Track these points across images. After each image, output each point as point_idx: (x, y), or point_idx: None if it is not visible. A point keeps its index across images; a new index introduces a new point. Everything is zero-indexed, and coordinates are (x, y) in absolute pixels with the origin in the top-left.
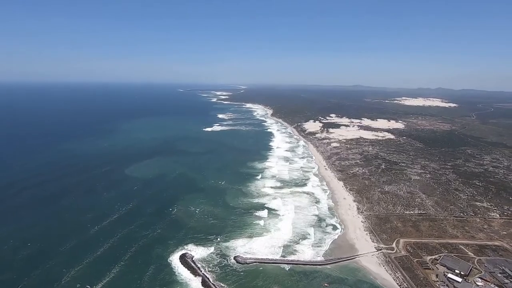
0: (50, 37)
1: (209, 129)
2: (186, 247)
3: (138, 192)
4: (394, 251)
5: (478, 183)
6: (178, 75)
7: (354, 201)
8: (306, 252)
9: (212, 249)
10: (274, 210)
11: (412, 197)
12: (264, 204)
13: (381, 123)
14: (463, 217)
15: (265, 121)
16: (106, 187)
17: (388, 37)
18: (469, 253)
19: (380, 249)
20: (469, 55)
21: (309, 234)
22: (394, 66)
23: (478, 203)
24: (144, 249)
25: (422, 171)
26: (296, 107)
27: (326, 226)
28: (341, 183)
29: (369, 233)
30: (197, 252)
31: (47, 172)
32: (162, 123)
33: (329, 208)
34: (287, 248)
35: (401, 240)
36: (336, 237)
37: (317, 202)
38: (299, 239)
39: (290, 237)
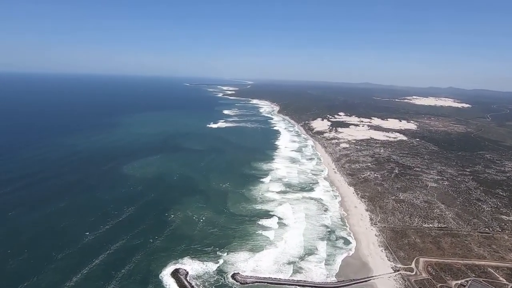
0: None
1: (214, 125)
2: (180, 260)
3: (136, 194)
4: (414, 272)
5: (501, 193)
6: (184, 70)
7: (367, 210)
8: (315, 271)
9: (209, 264)
10: (280, 218)
11: (430, 207)
12: (269, 211)
13: (392, 123)
14: (489, 233)
15: (272, 118)
16: (103, 188)
17: (397, 32)
18: (500, 278)
19: (398, 270)
20: (483, 53)
21: (318, 250)
22: (403, 63)
23: (504, 217)
24: (135, 261)
25: (439, 177)
26: (303, 104)
27: (336, 240)
28: (352, 188)
29: (384, 250)
30: (192, 267)
31: (39, 170)
32: (166, 118)
33: (340, 218)
34: (294, 265)
35: (421, 260)
36: (348, 253)
37: (326, 210)
38: (307, 255)
39: (297, 252)
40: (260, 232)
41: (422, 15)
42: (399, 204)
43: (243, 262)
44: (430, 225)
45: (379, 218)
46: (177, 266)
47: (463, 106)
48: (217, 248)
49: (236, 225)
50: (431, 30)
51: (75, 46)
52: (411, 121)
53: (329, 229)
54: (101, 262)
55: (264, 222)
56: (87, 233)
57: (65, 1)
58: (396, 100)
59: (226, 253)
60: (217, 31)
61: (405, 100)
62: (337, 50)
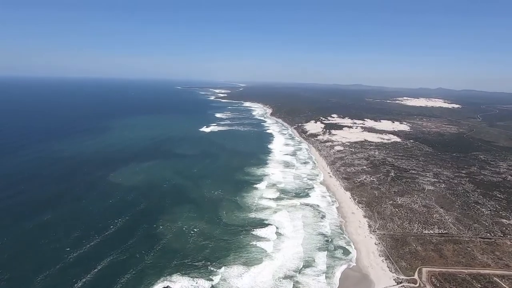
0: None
1: (206, 129)
2: (169, 278)
3: (124, 205)
4: (417, 284)
5: (499, 195)
6: (177, 73)
7: (365, 216)
8: (314, 286)
9: (200, 281)
10: (276, 227)
11: (429, 212)
12: (263, 220)
13: (385, 124)
14: (490, 238)
15: (265, 121)
16: (89, 198)
17: (389, 35)
18: None
19: (401, 282)
20: (471, 55)
21: (316, 262)
22: (394, 65)
23: (505, 220)
24: (121, 282)
25: (435, 179)
26: (296, 106)
27: (335, 250)
28: (348, 193)
29: (385, 259)
30: (182, 284)
31: (22, 179)
32: (156, 122)
33: (337, 226)
34: (291, 280)
35: (424, 270)
36: (347, 264)
37: (323, 217)
38: (305, 267)
39: (295, 265)
40: (255, 243)
41: (411, 19)
42: (397, 209)
43: (237, 278)
44: (431, 231)
45: (377, 225)
46: (166, 284)
47: (453, 107)
48: (209, 263)
49: (230, 236)
50: (419, 34)
51: (70, 48)
52: (404, 122)
53: (327, 238)
54: (83, 283)
55: (259, 232)
56: (70, 250)
57: (63, 5)
58: (388, 101)
59: (219, 268)
60: (209, 35)
61: (396, 101)
62: (329, 53)
